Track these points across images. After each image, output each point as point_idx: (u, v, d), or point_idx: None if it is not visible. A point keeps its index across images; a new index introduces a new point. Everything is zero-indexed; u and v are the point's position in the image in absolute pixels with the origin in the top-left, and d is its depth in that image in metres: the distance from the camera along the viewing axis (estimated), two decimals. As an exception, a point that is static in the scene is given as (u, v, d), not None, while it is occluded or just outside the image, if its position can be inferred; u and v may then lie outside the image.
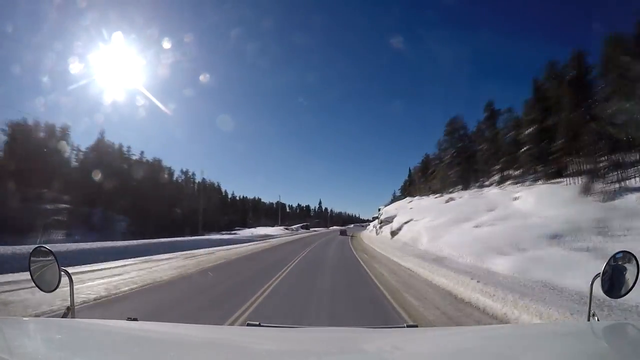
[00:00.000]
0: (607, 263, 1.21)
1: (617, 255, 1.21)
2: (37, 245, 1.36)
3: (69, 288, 1.32)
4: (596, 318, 1.21)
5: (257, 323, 1.36)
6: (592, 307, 1.22)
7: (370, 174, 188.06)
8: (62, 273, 1.30)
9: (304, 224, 71.30)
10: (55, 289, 1.30)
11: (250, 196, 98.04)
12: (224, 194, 72.53)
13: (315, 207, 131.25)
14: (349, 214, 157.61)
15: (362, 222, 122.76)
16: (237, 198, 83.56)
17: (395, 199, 58.60)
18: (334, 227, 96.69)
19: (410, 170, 56.59)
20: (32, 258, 1.31)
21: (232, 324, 4.62)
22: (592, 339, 1.10)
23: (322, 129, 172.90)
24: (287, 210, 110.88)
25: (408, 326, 1.48)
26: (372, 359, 1.03)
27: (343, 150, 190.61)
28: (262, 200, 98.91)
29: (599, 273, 1.21)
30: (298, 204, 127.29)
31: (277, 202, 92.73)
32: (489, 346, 1.09)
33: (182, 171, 55.81)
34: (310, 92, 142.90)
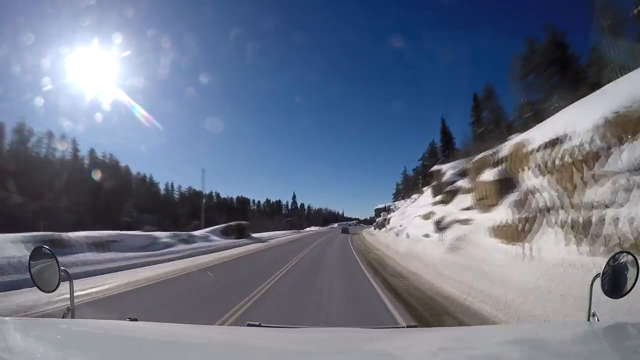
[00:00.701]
0: (607, 263, 1.22)
1: (617, 256, 1.22)
2: (37, 245, 1.36)
3: (68, 288, 1.32)
4: (596, 318, 1.21)
5: (257, 323, 1.36)
6: (591, 307, 1.22)
7: (356, 171, 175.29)
8: (62, 273, 1.30)
9: (230, 224, 29.31)
10: (55, 289, 1.30)
11: (261, 198, 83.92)
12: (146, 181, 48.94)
13: (288, 203, 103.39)
14: (330, 211, 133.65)
15: (347, 221, 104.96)
16: (163, 187, 57.08)
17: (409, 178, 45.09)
18: (312, 229, 73.08)
19: (445, 122, 34.39)
20: (32, 258, 1.31)
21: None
22: (592, 339, 1.10)
23: (303, 122, 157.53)
24: (252, 206, 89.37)
25: (408, 326, 1.49)
26: (372, 359, 1.03)
27: (326, 144, 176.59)
28: (219, 194, 73.42)
29: (599, 273, 1.21)
30: (267, 200, 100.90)
31: (216, 193, 68.96)
32: (489, 346, 1.09)
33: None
34: (289, 82, 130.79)
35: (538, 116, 14.85)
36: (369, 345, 1.14)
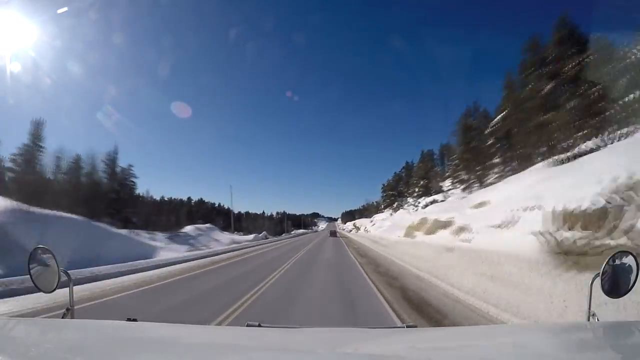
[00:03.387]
0: (606, 263, 1.22)
1: (617, 255, 1.22)
2: (36, 246, 1.36)
3: (68, 288, 1.32)
4: (596, 318, 1.22)
5: (257, 323, 1.36)
6: (591, 307, 1.22)
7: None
8: (62, 273, 1.30)
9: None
10: (55, 289, 1.30)
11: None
12: None
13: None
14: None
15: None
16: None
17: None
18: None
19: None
20: (31, 258, 1.31)
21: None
22: (592, 339, 1.10)
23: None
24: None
25: (407, 326, 1.49)
26: (372, 359, 1.03)
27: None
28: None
29: (599, 273, 1.21)
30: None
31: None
32: (488, 346, 1.09)
33: None
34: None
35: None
36: (369, 345, 1.13)
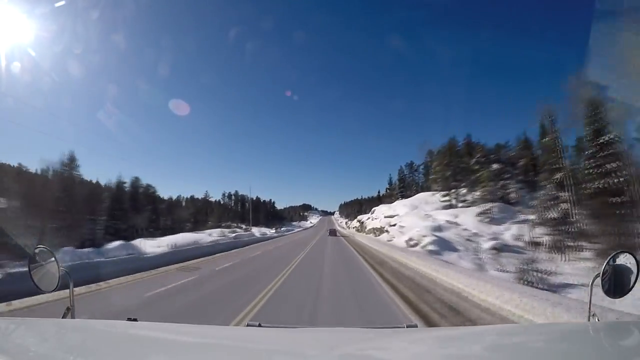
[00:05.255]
0: (606, 263, 1.21)
1: (617, 255, 1.21)
2: (37, 245, 1.36)
3: (69, 288, 1.32)
4: (596, 318, 1.21)
5: (257, 324, 1.36)
6: (591, 307, 1.23)
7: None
8: (62, 273, 1.30)
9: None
10: (55, 289, 1.30)
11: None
12: None
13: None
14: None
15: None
16: None
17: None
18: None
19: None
20: (32, 258, 1.31)
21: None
22: (592, 339, 1.10)
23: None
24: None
25: (408, 326, 1.49)
26: (372, 359, 1.03)
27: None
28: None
29: (599, 273, 1.21)
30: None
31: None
32: (489, 346, 1.09)
33: None
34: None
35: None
36: (369, 345, 1.13)
